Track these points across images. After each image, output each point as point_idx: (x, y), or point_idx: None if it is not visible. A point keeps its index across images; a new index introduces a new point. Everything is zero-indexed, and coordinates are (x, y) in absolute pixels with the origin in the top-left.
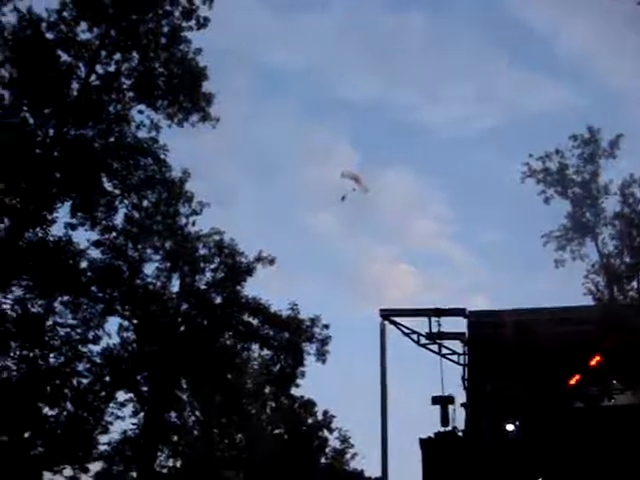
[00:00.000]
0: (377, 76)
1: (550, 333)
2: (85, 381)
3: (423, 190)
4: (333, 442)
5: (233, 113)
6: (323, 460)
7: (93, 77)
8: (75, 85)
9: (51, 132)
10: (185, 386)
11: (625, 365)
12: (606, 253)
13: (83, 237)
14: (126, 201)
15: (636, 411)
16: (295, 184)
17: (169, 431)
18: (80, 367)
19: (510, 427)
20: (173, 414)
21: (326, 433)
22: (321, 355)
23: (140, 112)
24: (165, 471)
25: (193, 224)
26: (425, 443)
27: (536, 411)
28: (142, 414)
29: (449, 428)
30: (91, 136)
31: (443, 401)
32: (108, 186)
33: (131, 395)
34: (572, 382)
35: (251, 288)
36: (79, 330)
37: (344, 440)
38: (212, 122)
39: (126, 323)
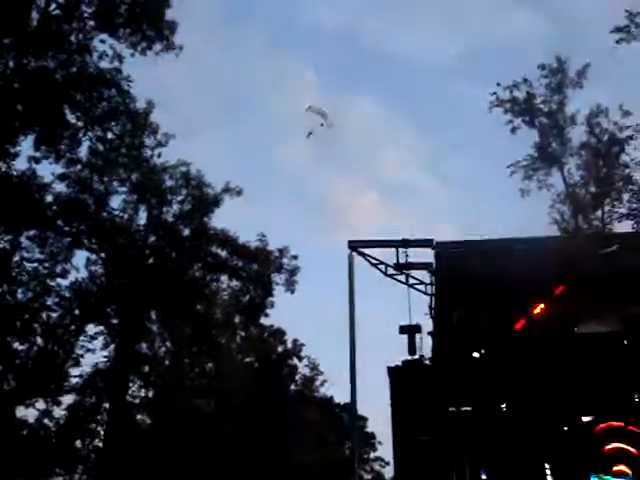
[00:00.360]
0: (346, 3)
1: (516, 263)
2: (54, 315)
3: (391, 119)
4: (303, 370)
5: (197, 41)
6: (293, 387)
7: (53, 6)
8: (35, 15)
9: (11, 64)
10: (155, 318)
11: (589, 294)
12: (572, 183)
13: (47, 171)
14: (90, 133)
15: (598, 339)
16: (262, 114)
17: (140, 362)
18: (49, 301)
19: (476, 355)
20: (144, 345)
21: (295, 361)
22: (290, 285)
23: (102, 42)
24: (137, 401)
25: (159, 156)
26: (393, 371)
27: (501, 339)
28: (113, 346)
29: (416, 356)
30: (52, 67)
31: (410, 330)
32: (71, 118)
33: (101, 328)
34: (536, 311)
35: (219, 220)
36: (47, 264)
37: (313, 367)
38: (176, 51)
39: (94, 257)
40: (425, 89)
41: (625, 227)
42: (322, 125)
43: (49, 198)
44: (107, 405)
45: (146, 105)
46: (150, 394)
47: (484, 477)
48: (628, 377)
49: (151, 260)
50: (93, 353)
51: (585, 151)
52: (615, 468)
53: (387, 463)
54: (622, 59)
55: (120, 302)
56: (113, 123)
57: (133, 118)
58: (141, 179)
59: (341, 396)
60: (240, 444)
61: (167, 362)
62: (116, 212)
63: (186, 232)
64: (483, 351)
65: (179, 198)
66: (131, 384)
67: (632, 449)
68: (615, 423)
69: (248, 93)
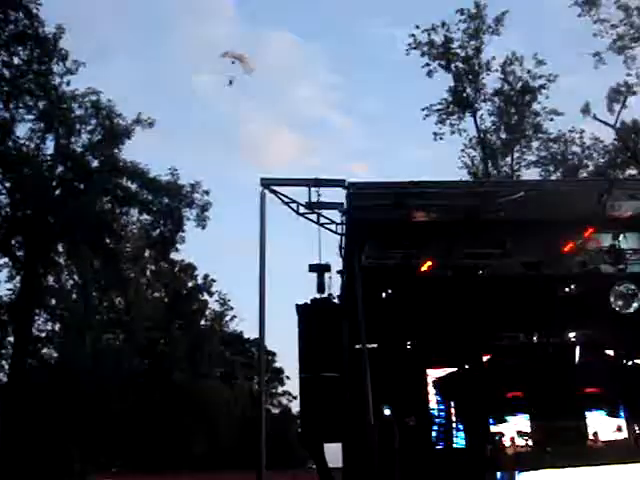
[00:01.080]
0: None
1: (425, 206)
2: None
3: (306, 54)
4: (213, 305)
5: None
6: (203, 322)
7: None
8: None
9: None
10: (62, 250)
11: (493, 239)
12: (484, 129)
13: None
14: None
15: (504, 281)
16: (175, 43)
17: (46, 295)
18: None
19: (383, 294)
20: (50, 278)
21: (206, 296)
22: (201, 221)
23: None
24: (43, 335)
25: (68, 84)
26: (301, 308)
27: (407, 280)
28: (18, 279)
29: (325, 295)
30: None
31: (320, 269)
32: None
33: (6, 260)
34: (442, 253)
35: (129, 152)
36: None
37: (224, 303)
38: None
39: None
40: (342, 26)
41: (533, 174)
42: (242, 69)
43: None
44: (12, 339)
45: (56, 30)
46: (57, 327)
47: (387, 412)
48: (526, 319)
49: (58, 191)
50: None
51: (498, 98)
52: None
53: (295, 397)
54: (539, 8)
55: (26, 234)
56: (20, 48)
57: (41, 43)
58: (49, 107)
59: (251, 332)
60: (149, 379)
61: (74, 296)
62: (22, 141)
63: (95, 164)
64: (390, 291)
65: (88, 128)
66: (37, 317)
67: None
68: None
69: (162, 19)
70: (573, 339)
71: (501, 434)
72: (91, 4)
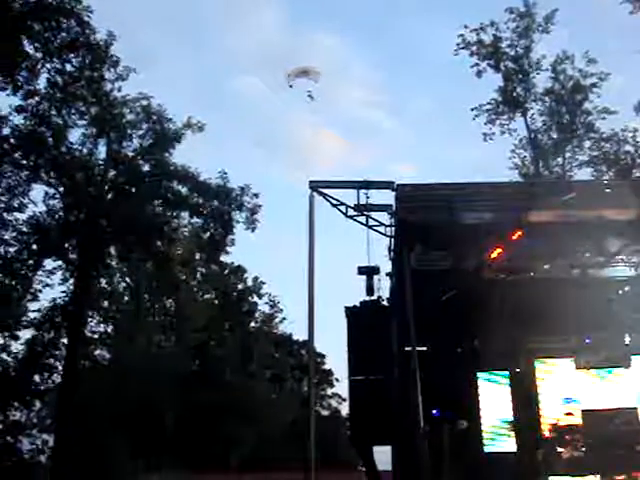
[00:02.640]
0: None
1: (474, 207)
2: (12, 250)
3: (352, 55)
4: (263, 307)
5: None
6: (253, 324)
7: None
8: None
9: None
10: (114, 253)
11: (545, 240)
12: (534, 129)
13: (5, 103)
14: (49, 65)
15: (552, 283)
16: (222, 46)
17: (99, 297)
18: (6, 236)
19: (433, 297)
20: (103, 281)
21: (256, 298)
22: (251, 223)
23: None
24: (96, 336)
25: (119, 89)
26: (350, 311)
27: (458, 282)
28: (71, 281)
29: (374, 297)
30: None
31: (369, 271)
32: (30, 49)
33: (60, 263)
34: (494, 255)
35: (180, 155)
36: (3, 198)
37: (273, 305)
38: None
39: (52, 191)
40: (388, 25)
41: (585, 174)
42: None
43: (6, 131)
44: (65, 340)
45: (107, 37)
46: (109, 329)
47: (436, 414)
48: (577, 319)
49: (110, 195)
50: (51, 288)
51: (549, 97)
52: None
53: (344, 400)
54: (590, 6)
55: (79, 237)
56: (72, 55)
57: (93, 50)
58: (101, 113)
59: (300, 334)
60: (200, 380)
61: (126, 298)
62: (75, 146)
63: (146, 168)
64: (440, 293)
65: (139, 133)
66: (90, 319)
67: None
68: None
69: (208, 24)
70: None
71: (554, 438)
72: (138, 11)
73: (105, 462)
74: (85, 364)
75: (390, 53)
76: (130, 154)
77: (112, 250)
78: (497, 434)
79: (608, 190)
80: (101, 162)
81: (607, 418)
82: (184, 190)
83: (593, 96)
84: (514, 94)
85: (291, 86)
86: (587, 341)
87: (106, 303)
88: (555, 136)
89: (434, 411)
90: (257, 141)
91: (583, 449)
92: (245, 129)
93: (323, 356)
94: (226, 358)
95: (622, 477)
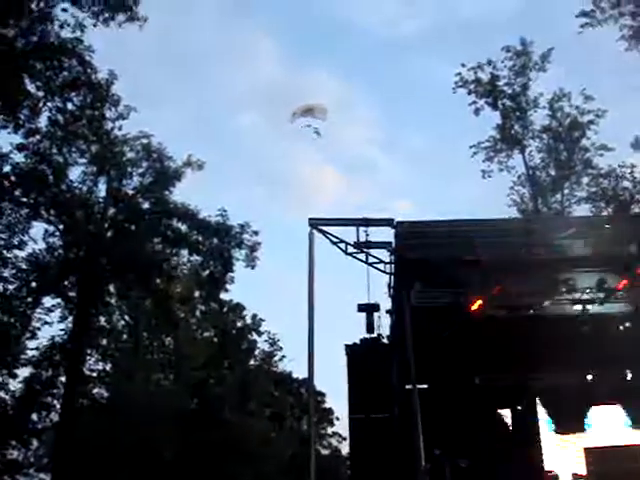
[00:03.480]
0: None
1: (475, 244)
2: (11, 287)
3: (350, 93)
4: (262, 345)
5: (157, 11)
6: (252, 362)
7: None
8: None
9: None
10: (113, 291)
11: (546, 277)
12: (532, 166)
13: (6, 141)
14: (50, 104)
15: (552, 320)
16: (222, 83)
17: (98, 335)
18: (5, 273)
19: (434, 335)
20: (102, 319)
21: (255, 336)
22: (250, 261)
23: (64, 10)
24: (94, 375)
25: (120, 128)
26: (350, 348)
27: (458, 319)
28: (70, 319)
29: (374, 335)
30: (12, 36)
31: (369, 308)
32: (31, 88)
33: (59, 300)
34: (494, 292)
35: (180, 193)
36: (3, 236)
37: (273, 343)
38: (139, 22)
39: (52, 228)
40: (386, 63)
41: (584, 211)
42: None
43: (7, 168)
44: (64, 378)
45: (108, 76)
46: (108, 367)
47: (438, 454)
48: (580, 357)
49: (110, 233)
50: (50, 326)
51: (546, 134)
52: None
53: (344, 438)
54: (586, 44)
55: (78, 275)
56: (73, 94)
57: (94, 89)
58: (101, 151)
59: (300, 372)
60: (199, 418)
61: (125, 336)
62: (75, 184)
63: (146, 205)
64: (440, 330)
65: (139, 171)
66: (88, 357)
67: None
68: None
69: (206, 63)
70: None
71: (556, 477)
72: (138, 49)
73: None
74: (83, 402)
75: (389, 91)
76: (130, 192)
77: (111, 288)
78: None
79: (607, 226)
80: (101, 200)
81: (610, 455)
82: (184, 228)
83: (590, 133)
84: (512, 131)
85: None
86: (588, 377)
87: (105, 341)
88: (553, 173)
89: (436, 449)
90: (257, 178)
91: None
92: (245, 166)
93: (323, 394)
94: (225, 396)
95: None
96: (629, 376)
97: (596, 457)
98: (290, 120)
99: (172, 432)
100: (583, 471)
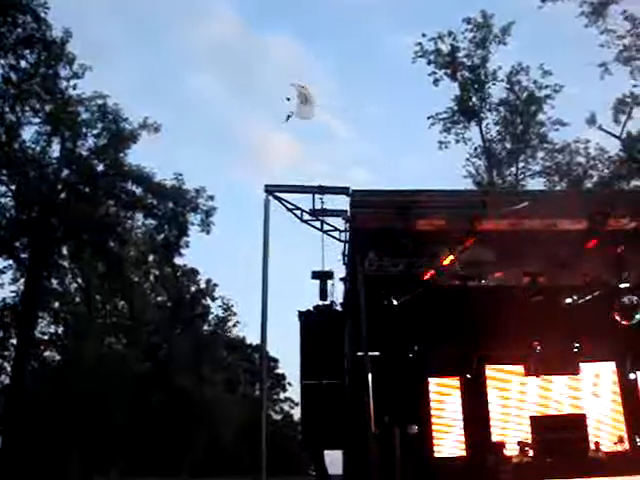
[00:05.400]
0: None
1: (429, 215)
2: None
3: (306, 57)
4: (216, 310)
5: None
6: (206, 327)
7: None
8: None
9: None
10: (66, 253)
11: (497, 249)
12: (489, 138)
13: None
14: (3, 61)
15: (502, 291)
16: (172, 44)
17: (50, 298)
18: None
19: (386, 303)
20: (54, 281)
21: (209, 301)
22: (206, 226)
23: None
24: (46, 337)
25: (74, 87)
26: (303, 315)
27: (410, 288)
28: (22, 281)
29: (327, 302)
30: None
31: (323, 276)
32: None
33: (10, 262)
34: (446, 262)
35: (134, 156)
36: None
37: (227, 308)
38: None
39: (4, 189)
40: (345, 28)
41: (538, 184)
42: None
43: None
44: (14, 341)
45: (63, 34)
46: (60, 330)
47: (387, 420)
48: (528, 329)
49: (63, 195)
50: (1, 288)
51: (504, 107)
52: None
53: (296, 404)
54: (545, 18)
55: (30, 236)
56: (27, 51)
57: (49, 46)
58: (55, 110)
59: (254, 338)
60: (151, 383)
61: (78, 299)
62: (28, 144)
63: (100, 167)
64: (392, 298)
65: (94, 132)
66: (40, 320)
67: None
68: None
69: (161, 21)
70: (576, 349)
71: (502, 444)
72: (90, 8)
73: (54, 465)
74: (34, 365)
75: (346, 58)
76: (84, 153)
77: (64, 250)
78: (448, 438)
79: (560, 200)
80: (55, 161)
81: (555, 424)
82: (138, 191)
83: (547, 107)
84: (470, 103)
85: (289, 117)
86: (537, 348)
87: (57, 304)
88: (509, 146)
89: (386, 417)
90: (211, 142)
91: (532, 455)
92: (200, 129)
93: (276, 360)
94: (178, 361)
95: None
96: (576, 347)
97: (541, 426)
98: (295, 114)
99: (124, 396)
100: (529, 439)
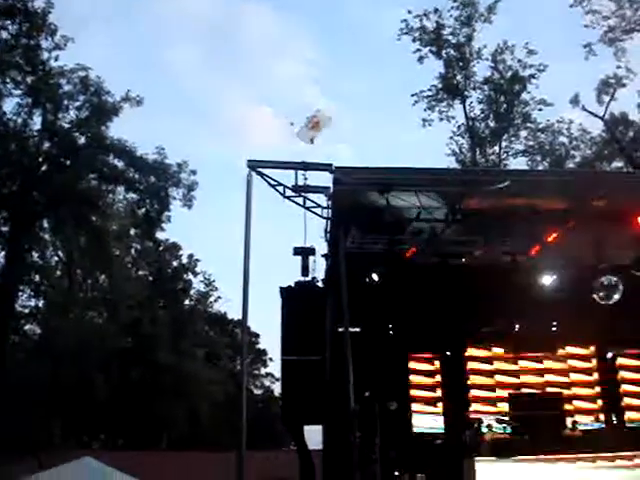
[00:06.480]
0: None
1: (411, 193)
2: None
3: (286, 29)
4: (198, 285)
5: None
6: (187, 302)
7: None
8: None
9: None
10: (47, 227)
11: (479, 227)
12: (472, 116)
13: None
14: None
15: (487, 270)
16: (151, 15)
17: (30, 271)
18: None
19: (367, 279)
20: (35, 254)
21: (191, 276)
22: (188, 200)
23: None
24: (27, 311)
25: (56, 59)
26: (285, 291)
27: (392, 265)
28: (2, 254)
29: (309, 278)
30: None
31: (304, 252)
32: None
33: None
34: (428, 240)
35: (117, 129)
36: None
37: (208, 283)
38: None
39: None
40: (329, 4)
41: (520, 164)
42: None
43: None
44: None
45: (44, 4)
46: (41, 304)
47: (367, 395)
48: (509, 306)
49: (44, 167)
50: None
51: (488, 86)
52: None
53: (277, 379)
54: None
55: (10, 209)
56: (9, 22)
57: (30, 17)
58: (36, 82)
59: (235, 313)
60: (132, 358)
61: (59, 272)
62: (9, 116)
63: (82, 140)
64: (374, 275)
65: (76, 104)
66: (21, 293)
67: None
68: None
69: None
70: (554, 329)
71: (480, 420)
72: None
73: (35, 439)
74: (15, 339)
75: (330, 32)
76: (66, 126)
77: (45, 223)
78: (426, 415)
79: (541, 180)
80: (36, 133)
81: (533, 402)
82: (120, 165)
83: (531, 87)
84: (454, 81)
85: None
86: (516, 327)
87: (37, 277)
88: (492, 125)
89: (366, 393)
90: (194, 115)
91: (508, 432)
92: (181, 102)
93: (257, 335)
94: (159, 336)
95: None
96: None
97: (519, 403)
98: (297, 134)
99: (105, 371)
100: (507, 416)
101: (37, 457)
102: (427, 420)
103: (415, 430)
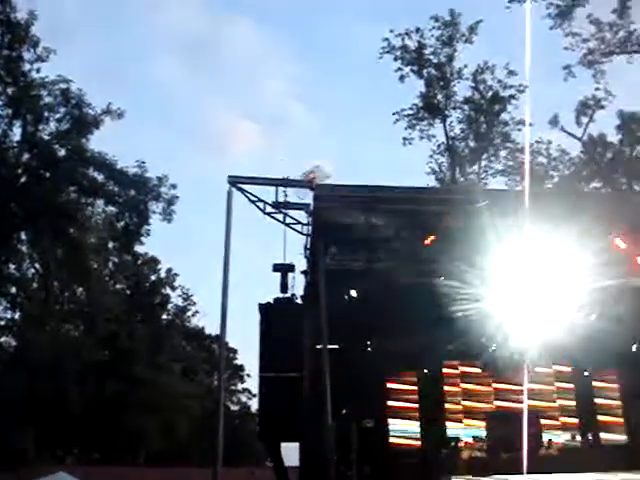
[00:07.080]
0: None
1: (391, 211)
2: None
3: (270, 44)
4: (176, 299)
5: None
6: (165, 316)
7: None
8: None
9: None
10: (25, 238)
11: (457, 246)
12: (452, 136)
13: None
14: None
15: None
16: (138, 29)
17: (7, 283)
18: None
19: (346, 296)
20: (12, 266)
21: (169, 290)
22: (167, 214)
23: None
24: (2, 323)
25: (38, 71)
26: (264, 307)
27: (371, 282)
28: None
29: (288, 295)
30: None
31: (284, 269)
32: None
33: None
34: (407, 258)
35: (97, 142)
36: None
37: (186, 298)
38: None
39: None
40: (312, 16)
41: (499, 183)
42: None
43: None
44: None
45: (27, 16)
46: (17, 316)
47: (344, 412)
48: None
49: (23, 179)
50: None
51: (468, 106)
52: None
53: (254, 395)
54: (512, 18)
55: None
56: None
57: (13, 28)
58: (17, 93)
59: (213, 328)
60: (108, 371)
61: (35, 284)
62: None
63: (62, 152)
64: (353, 292)
65: (57, 116)
66: None
67: None
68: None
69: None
70: None
71: (457, 438)
72: None
73: (8, 453)
74: None
75: (312, 49)
76: (46, 138)
77: (22, 235)
78: (403, 432)
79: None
80: (15, 144)
81: (510, 421)
82: (100, 177)
83: (511, 107)
84: (435, 101)
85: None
86: (492, 347)
87: (14, 289)
88: (472, 144)
89: (343, 410)
90: (175, 129)
91: (484, 450)
92: (162, 116)
93: (235, 351)
94: (136, 350)
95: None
96: None
97: (495, 421)
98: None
99: (81, 384)
100: (483, 435)
101: (16, 472)
102: (404, 437)
103: (392, 448)
